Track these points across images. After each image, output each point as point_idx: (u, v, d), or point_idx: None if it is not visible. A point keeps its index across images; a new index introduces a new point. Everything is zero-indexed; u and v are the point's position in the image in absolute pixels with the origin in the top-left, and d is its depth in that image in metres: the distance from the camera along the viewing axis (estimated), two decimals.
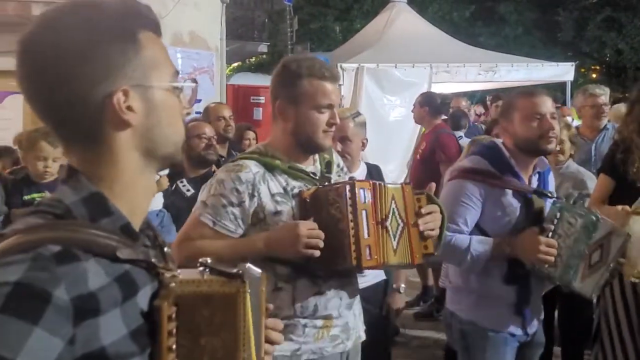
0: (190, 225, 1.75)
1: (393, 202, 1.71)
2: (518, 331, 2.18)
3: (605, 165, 2.83)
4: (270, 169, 1.74)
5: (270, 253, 1.68)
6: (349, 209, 1.63)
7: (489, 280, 2.15)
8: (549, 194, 2.14)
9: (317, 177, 1.81)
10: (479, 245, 2.10)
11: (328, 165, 1.87)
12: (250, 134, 4.32)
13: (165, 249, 0.90)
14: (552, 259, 2.01)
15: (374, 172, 2.87)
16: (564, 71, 9.08)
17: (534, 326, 2.24)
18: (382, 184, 1.73)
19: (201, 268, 0.86)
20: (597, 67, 17.88)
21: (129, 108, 0.84)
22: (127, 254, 0.79)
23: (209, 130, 3.26)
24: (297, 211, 1.72)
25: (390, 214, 1.70)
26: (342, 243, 1.64)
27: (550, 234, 2.03)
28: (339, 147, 2.64)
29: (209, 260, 0.87)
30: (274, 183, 1.74)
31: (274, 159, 1.76)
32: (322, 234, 1.64)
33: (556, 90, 9.86)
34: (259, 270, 0.96)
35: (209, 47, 6.76)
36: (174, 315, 0.80)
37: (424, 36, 8.78)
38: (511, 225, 2.12)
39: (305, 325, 1.76)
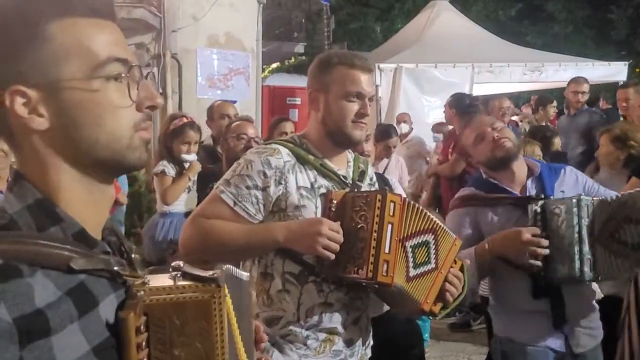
0: (209, 202, 1.69)
1: (431, 235, 1.63)
2: (559, 346, 2.06)
3: (637, 167, 2.73)
4: (302, 161, 1.70)
5: (286, 245, 1.60)
6: (376, 219, 1.55)
7: (518, 297, 2.09)
8: (535, 197, 2.07)
9: (348, 182, 1.74)
10: (464, 252, 2.05)
11: (361, 175, 1.81)
12: (288, 126, 3.73)
13: (133, 255, 0.83)
14: (538, 250, 1.94)
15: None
16: (616, 71, 8.62)
17: (582, 343, 2.09)
18: (415, 205, 1.65)
19: (174, 273, 0.81)
20: None
21: (34, 111, 0.75)
22: (82, 264, 0.72)
23: (252, 131, 3.20)
24: (320, 211, 1.66)
25: (419, 240, 1.62)
26: (360, 252, 1.57)
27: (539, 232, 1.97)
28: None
29: (181, 264, 0.81)
30: (302, 176, 1.68)
31: (307, 152, 1.71)
32: (341, 238, 1.57)
33: (607, 91, 9.37)
34: (246, 274, 0.93)
35: (244, 48, 6.74)
36: (142, 327, 0.75)
37: (466, 35, 8.53)
38: None
39: (307, 337, 1.68)
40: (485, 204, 2.15)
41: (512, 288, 2.11)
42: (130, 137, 0.79)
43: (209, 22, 6.25)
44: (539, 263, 1.94)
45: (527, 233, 1.94)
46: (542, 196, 2.06)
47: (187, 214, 3.23)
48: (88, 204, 0.79)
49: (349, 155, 1.84)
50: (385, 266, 1.54)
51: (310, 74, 1.77)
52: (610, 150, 3.25)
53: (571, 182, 2.21)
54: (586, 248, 1.96)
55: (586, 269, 1.95)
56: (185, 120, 3.47)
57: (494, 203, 2.13)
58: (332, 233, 1.56)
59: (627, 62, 8.87)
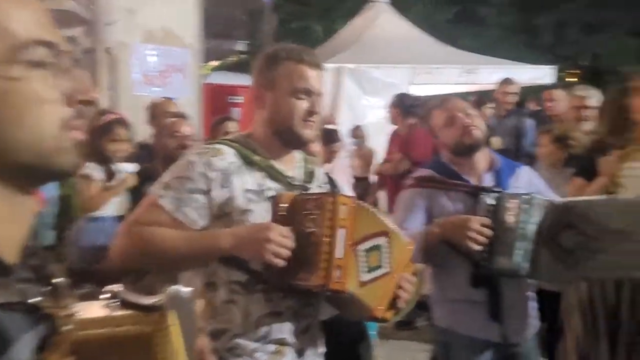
0: (145, 208, 1.55)
1: (384, 238, 1.54)
2: (495, 336, 2.09)
3: (581, 168, 2.78)
4: (248, 162, 1.60)
5: (233, 252, 1.51)
6: (327, 223, 1.46)
7: (458, 286, 2.11)
8: (487, 189, 2.11)
9: (297, 184, 1.65)
10: (415, 232, 2.07)
11: (310, 176, 1.72)
12: (232, 125, 3.42)
13: (56, 280, 0.69)
14: (483, 239, 1.96)
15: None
16: (543, 74, 9.08)
17: (517, 334, 2.13)
18: (366, 206, 1.57)
19: (110, 300, 0.68)
20: (578, 72, 18.05)
21: None
22: None
23: (186, 129, 3.07)
24: (269, 215, 1.57)
25: (372, 244, 1.53)
26: (311, 258, 1.48)
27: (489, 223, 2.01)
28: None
29: (119, 287, 0.69)
30: (248, 178, 1.58)
31: (253, 153, 1.61)
32: (292, 244, 1.48)
33: (535, 93, 9.84)
34: (189, 289, 0.81)
35: (183, 44, 6.52)
36: None
37: (406, 37, 8.71)
38: None
39: (254, 350, 1.57)
40: (440, 188, 2.16)
41: (452, 277, 2.13)
42: (58, 137, 0.66)
43: (145, 16, 5.99)
44: (479, 248, 1.96)
45: (475, 222, 1.96)
46: (497, 189, 2.09)
47: (119, 218, 3.03)
48: (2, 218, 0.66)
49: (298, 155, 1.75)
50: (337, 272, 1.46)
51: (256, 69, 1.67)
52: (551, 150, 3.36)
53: (526, 181, 2.25)
54: (529, 245, 2.00)
55: (524, 265, 2.00)
56: (113, 116, 3.28)
57: (450, 189, 2.15)
58: (282, 239, 1.46)
59: (554, 66, 9.35)
